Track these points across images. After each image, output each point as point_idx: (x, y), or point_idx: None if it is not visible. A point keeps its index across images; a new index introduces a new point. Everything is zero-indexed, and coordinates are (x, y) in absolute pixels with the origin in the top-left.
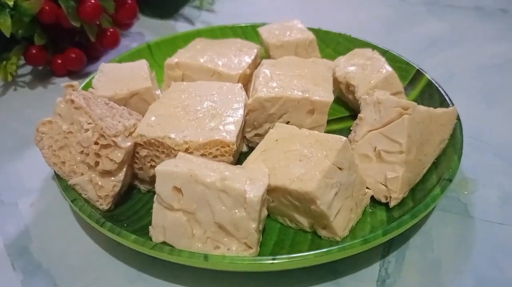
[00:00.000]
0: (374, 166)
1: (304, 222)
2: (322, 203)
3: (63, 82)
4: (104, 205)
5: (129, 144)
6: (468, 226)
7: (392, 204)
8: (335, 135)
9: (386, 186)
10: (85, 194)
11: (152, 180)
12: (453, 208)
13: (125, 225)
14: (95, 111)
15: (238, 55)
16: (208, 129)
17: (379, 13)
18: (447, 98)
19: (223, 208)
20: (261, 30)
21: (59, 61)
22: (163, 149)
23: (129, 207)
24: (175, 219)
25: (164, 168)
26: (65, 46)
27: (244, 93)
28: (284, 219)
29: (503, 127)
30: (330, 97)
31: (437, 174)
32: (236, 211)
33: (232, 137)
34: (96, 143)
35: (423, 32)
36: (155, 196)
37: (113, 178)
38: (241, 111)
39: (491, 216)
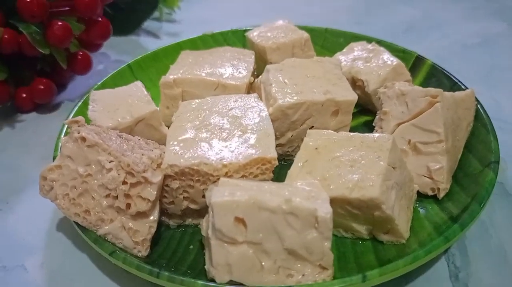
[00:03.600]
0: (412, 159)
1: (362, 229)
2: (388, 208)
3: (31, 118)
4: (143, 251)
5: (160, 177)
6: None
7: (441, 195)
8: (379, 134)
9: (432, 178)
10: (120, 243)
11: (185, 213)
12: None
13: (172, 269)
14: (113, 147)
15: (236, 64)
16: (244, 148)
17: (348, 3)
18: (457, 82)
19: (293, 232)
20: (250, 35)
21: (24, 95)
22: (198, 177)
23: (164, 248)
24: (240, 253)
25: (222, 199)
26: (27, 77)
27: (262, 103)
28: (339, 230)
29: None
30: (354, 96)
31: (476, 157)
32: (307, 232)
33: (273, 152)
34: (124, 182)
35: (396, 19)
36: (211, 232)
37: (147, 219)
38: (269, 123)
39: None
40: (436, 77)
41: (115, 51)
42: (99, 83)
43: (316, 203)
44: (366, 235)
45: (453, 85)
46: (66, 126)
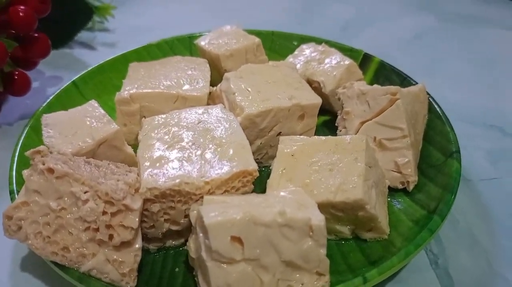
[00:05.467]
0: (379, 155)
1: (346, 230)
2: (371, 207)
3: None
4: (131, 282)
5: (140, 203)
6: (470, 188)
7: (411, 187)
8: (353, 136)
9: (401, 172)
10: (106, 277)
11: (165, 235)
12: None
13: None
14: (85, 176)
15: (192, 74)
16: (224, 163)
17: (285, 5)
18: (406, 77)
19: (289, 243)
20: (201, 43)
21: None
22: (179, 198)
23: (148, 275)
24: (239, 272)
25: (216, 219)
26: None
27: (231, 113)
28: None
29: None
30: (318, 99)
31: (436, 148)
32: (303, 242)
33: (253, 164)
34: (104, 213)
35: (332, 18)
36: (206, 254)
37: (131, 248)
38: (242, 133)
39: (484, 174)
40: (385, 74)
41: (50, 67)
42: (44, 105)
43: (307, 211)
44: (349, 235)
45: (403, 80)
46: (17, 156)
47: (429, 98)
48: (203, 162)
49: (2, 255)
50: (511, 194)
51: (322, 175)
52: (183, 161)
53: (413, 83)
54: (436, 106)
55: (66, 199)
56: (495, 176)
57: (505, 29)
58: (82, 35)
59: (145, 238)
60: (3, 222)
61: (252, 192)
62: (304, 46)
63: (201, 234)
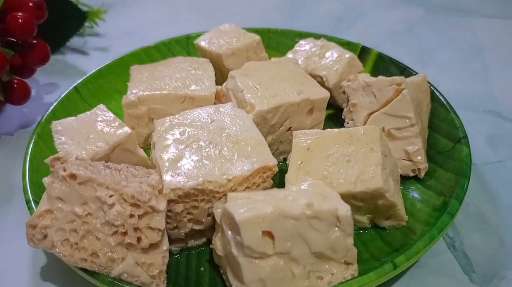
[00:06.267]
0: (389, 145)
1: (364, 219)
2: (391, 195)
3: None
4: (161, 284)
5: (165, 204)
6: (476, 172)
7: (422, 175)
8: (366, 127)
9: (411, 160)
10: (136, 280)
11: (187, 235)
12: None
13: None
14: (108, 180)
15: (197, 74)
16: (243, 159)
17: (272, 3)
18: (406, 67)
19: (318, 234)
20: (201, 43)
21: None
22: (203, 197)
23: (174, 276)
24: (271, 266)
25: (246, 215)
26: None
27: (243, 110)
28: None
29: (446, 81)
30: (326, 92)
31: (442, 135)
32: (331, 232)
33: (272, 160)
34: (131, 216)
35: (322, 13)
36: (237, 250)
37: (159, 249)
38: (256, 129)
39: (488, 158)
40: (383, 66)
41: (43, 74)
42: (48, 112)
43: (333, 202)
44: (368, 224)
45: (403, 70)
46: (28, 164)
47: (431, 87)
48: (222, 160)
49: (21, 266)
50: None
51: (340, 167)
52: (203, 160)
53: (413, 73)
54: (438, 94)
55: (91, 204)
56: (498, 159)
57: (488, 17)
58: (73, 41)
59: (168, 239)
60: (26, 232)
61: (271, 187)
62: (302, 41)
63: (229, 231)
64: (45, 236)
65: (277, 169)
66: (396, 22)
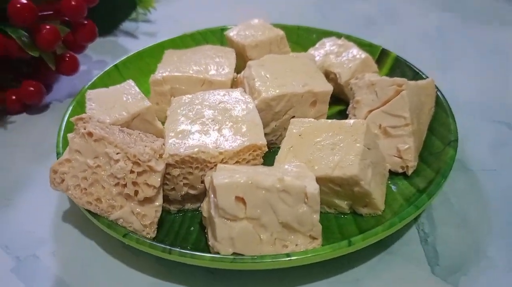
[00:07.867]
0: (383, 142)
1: (343, 205)
2: (366, 183)
3: (21, 119)
4: (151, 233)
5: (163, 166)
6: (470, 176)
7: (409, 172)
8: (355, 120)
9: (401, 157)
10: (130, 226)
11: (184, 198)
12: None
13: (178, 247)
14: (118, 140)
15: (219, 61)
16: (237, 137)
17: (312, 1)
18: (419, 71)
19: (286, 207)
20: (230, 34)
21: (14, 97)
22: (197, 165)
23: (167, 230)
24: (242, 228)
25: (223, 181)
26: (15, 80)
27: (249, 96)
28: (323, 206)
29: (465, 88)
30: (330, 87)
31: (438, 137)
32: (299, 207)
33: (263, 139)
34: (131, 172)
35: (356, 14)
36: (214, 211)
37: (153, 204)
38: (256, 113)
39: (485, 165)
40: (400, 68)
41: (96, 52)
42: (89, 84)
43: (305, 181)
44: (347, 210)
45: (416, 74)
46: (64, 124)
47: (437, 92)
48: (219, 135)
49: (48, 208)
50: (510, 185)
51: (324, 153)
52: (202, 134)
53: (424, 77)
54: (442, 99)
55: (101, 158)
56: (496, 168)
57: None
58: (126, 25)
59: (167, 200)
60: (49, 175)
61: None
62: (325, 40)
63: (212, 195)
64: (63, 180)
65: (266, 149)
66: (426, 29)
